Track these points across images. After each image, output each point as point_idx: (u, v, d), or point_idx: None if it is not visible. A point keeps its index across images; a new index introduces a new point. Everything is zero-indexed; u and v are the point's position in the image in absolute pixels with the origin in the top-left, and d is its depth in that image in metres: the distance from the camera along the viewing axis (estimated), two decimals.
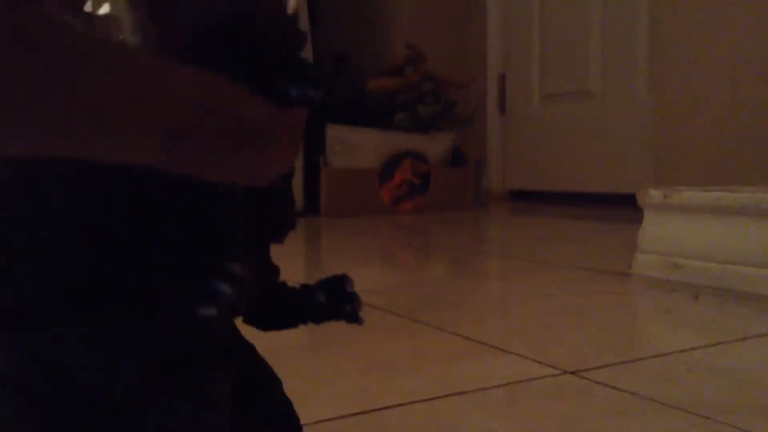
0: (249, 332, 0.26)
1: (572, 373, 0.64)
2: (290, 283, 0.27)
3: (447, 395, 0.59)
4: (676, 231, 1.08)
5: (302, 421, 0.28)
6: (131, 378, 0.20)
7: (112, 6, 0.21)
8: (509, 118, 2.94)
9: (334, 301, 0.26)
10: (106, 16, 0.21)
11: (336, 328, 0.26)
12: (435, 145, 2.59)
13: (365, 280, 1.24)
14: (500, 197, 2.98)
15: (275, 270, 0.26)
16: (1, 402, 0.20)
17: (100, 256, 0.20)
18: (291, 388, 0.28)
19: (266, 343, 0.27)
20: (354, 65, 2.68)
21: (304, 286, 0.27)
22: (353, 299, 0.27)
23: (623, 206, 2.05)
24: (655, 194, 1.12)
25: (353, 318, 0.27)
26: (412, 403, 0.57)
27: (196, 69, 0.18)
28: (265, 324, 0.27)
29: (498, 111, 2.97)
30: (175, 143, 0.17)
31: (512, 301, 1.05)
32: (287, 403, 0.27)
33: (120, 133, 0.16)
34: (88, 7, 0.20)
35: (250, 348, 0.27)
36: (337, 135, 2.36)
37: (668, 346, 0.75)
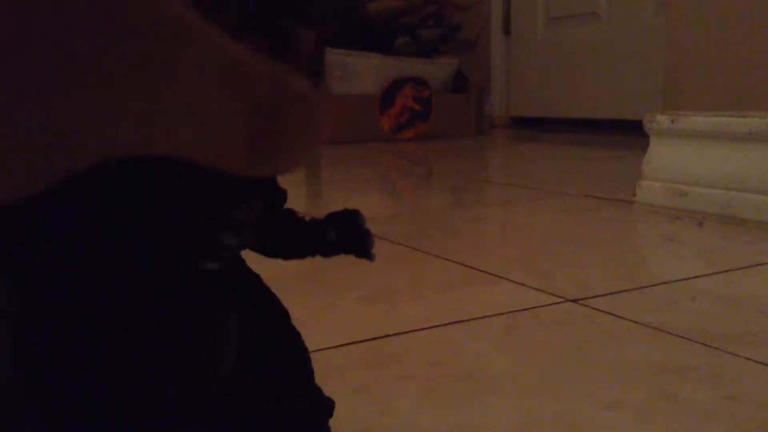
0: (250, 258, 0.25)
1: (574, 300, 0.63)
2: (298, 213, 0.26)
3: (447, 323, 0.58)
4: (682, 157, 1.06)
5: None
6: (122, 326, 0.19)
7: None
8: (513, 42, 2.87)
9: (345, 237, 0.25)
10: None
11: (337, 257, 0.25)
12: (437, 70, 2.53)
13: (365, 209, 1.22)
14: (503, 124, 2.94)
15: (282, 194, 0.25)
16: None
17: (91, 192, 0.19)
18: (291, 316, 0.27)
19: (265, 271, 0.26)
20: None
21: (314, 220, 0.25)
22: (365, 236, 0.25)
23: (629, 133, 2.02)
24: (662, 119, 1.09)
25: (365, 255, 0.26)
26: (413, 331, 0.57)
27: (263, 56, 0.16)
28: (270, 251, 0.25)
29: (502, 34, 2.89)
30: (258, 143, 0.16)
31: (513, 229, 1.04)
32: (296, 335, 0.27)
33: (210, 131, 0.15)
34: None
35: (256, 278, 0.26)
36: (336, 60, 2.30)
37: (671, 274, 0.74)
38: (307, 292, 0.66)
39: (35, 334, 0.19)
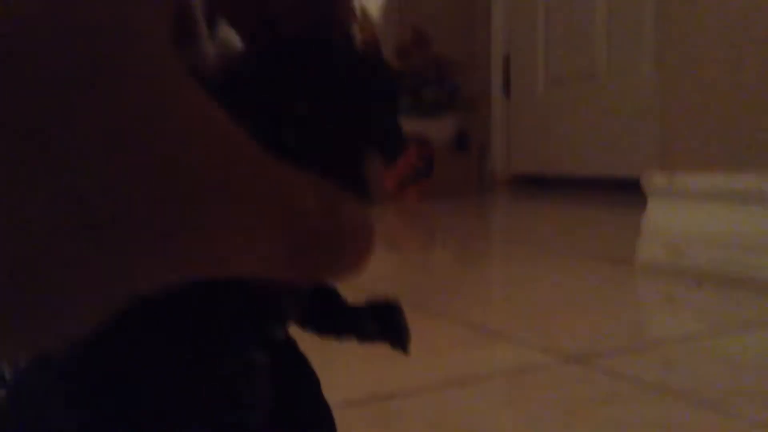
0: None
1: (575, 360, 0.64)
2: (340, 294, 0.26)
3: (451, 383, 0.59)
4: (680, 216, 1.08)
5: None
6: (152, 389, 0.20)
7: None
8: (514, 101, 2.93)
9: (383, 330, 0.26)
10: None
11: None
12: (439, 129, 2.58)
13: (370, 267, 1.24)
14: (504, 181, 2.97)
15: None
16: (41, 378, 0.20)
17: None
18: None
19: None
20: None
21: (354, 306, 0.26)
22: (403, 331, 0.26)
23: (629, 190, 2.05)
24: (659, 179, 1.11)
25: (402, 349, 0.26)
26: (417, 390, 0.58)
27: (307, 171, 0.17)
28: (306, 326, 0.26)
29: (503, 94, 2.96)
30: (301, 252, 0.16)
31: (516, 287, 1.05)
32: (325, 406, 0.27)
33: (250, 245, 0.15)
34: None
35: (292, 343, 0.26)
36: None
37: (671, 333, 0.75)
38: (309, 349, 0.66)
39: (87, 385, 0.20)
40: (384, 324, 0.26)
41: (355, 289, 0.32)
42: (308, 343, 0.26)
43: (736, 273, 0.98)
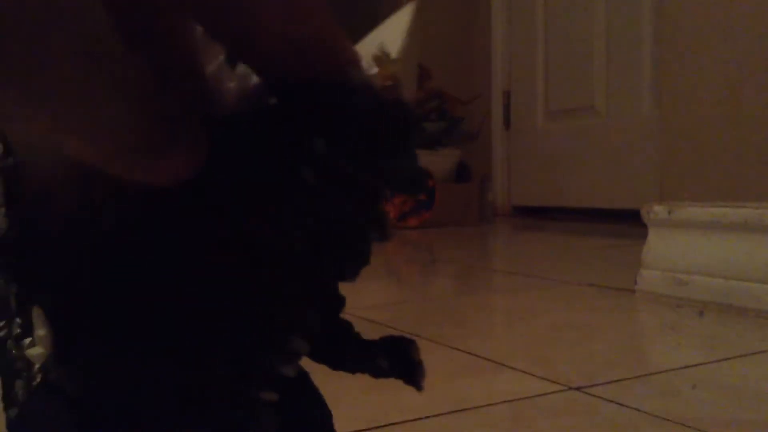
0: None
1: (577, 389, 0.64)
2: (354, 328, 0.26)
3: (452, 411, 0.59)
4: (681, 247, 1.08)
5: None
6: (160, 423, 0.20)
7: None
8: (514, 134, 2.96)
9: (396, 366, 0.26)
10: None
11: None
12: (440, 161, 2.60)
13: (369, 296, 1.24)
14: (505, 213, 2.98)
15: (341, 302, 0.26)
16: (50, 403, 0.20)
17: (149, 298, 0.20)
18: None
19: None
20: None
21: (369, 342, 0.26)
22: (416, 368, 0.26)
23: (628, 222, 2.05)
24: (659, 210, 1.12)
25: (415, 385, 0.26)
26: (417, 419, 0.58)
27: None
28: (319, 358, 0.26)
29: (503, 127, 2.99)
30: (122, 132, 0.16)
31: (517, 317, 1.05)
32: None
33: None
34: None
35: (304, 375, 0.26)
36: None
37: (673, 363, 0.75)
38: (312, 378, 0.66)
39: (95, 415, 0.20)
40: (398, 360, 0.26)
41: (357, 316, 0.32)
42: (308, 372, 0.26)
43: (737, 302, 0.98)
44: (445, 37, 3.04)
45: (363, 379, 0.67)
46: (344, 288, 0.29)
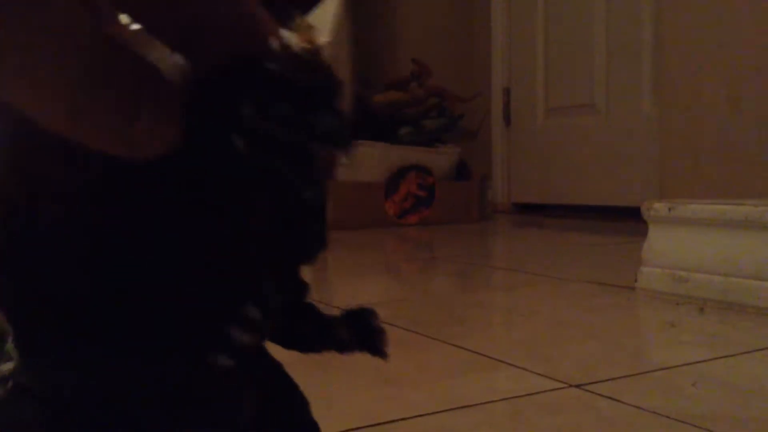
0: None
1: (577, 386, 0.64)
2: (318, 307, 0.27)
3: (452, 409, 0.59)
4: (681, 244, 1.08)
5: None
6: (137, 410, 0.20)
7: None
8: (514, 131, 2.95)
9: (359, 335, 0.26)
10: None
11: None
12: (440, 159, 2.60)
13: (370, 293, 1.24)
14: (505, 210, 2.98)
15: (304, 288, 0.26)
16: (19, 406, 0.20)
17: (99, 279, 0.20)
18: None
19: (272, 353, 0.27)
20: (359, 79, 2.70)
21: (330, 317, 0.26)
22: (377, 334, 0.26)
23: (628, 219, 2.05)
24: (659, 207, 1.12)
25: (377, 353, 0.26)
26: (418, 416, 0.58)
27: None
28: (288, 344, 0.26)
29: (503, 124, 2.99)
30: (73, 89, 0.16)
31: (516, 314, 1.05)
32: (314, 426, 0.27)
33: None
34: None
35: (276, 366, 0.26)
36: None
37: (673, 360, 0.75)
38: (311, 377, 0.66)
39: (63, 414, 0.20)
40: (359, 330, 0.26)
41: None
42: (308, 372, 0.26)
43: (737, 299, 0.98)
44: (445, 34, 3.04)
45: (362, 377, 0.67)
46: (344, 286, 0.29)
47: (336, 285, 1.32)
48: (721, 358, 0.74)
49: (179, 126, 0.18)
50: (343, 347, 0.26)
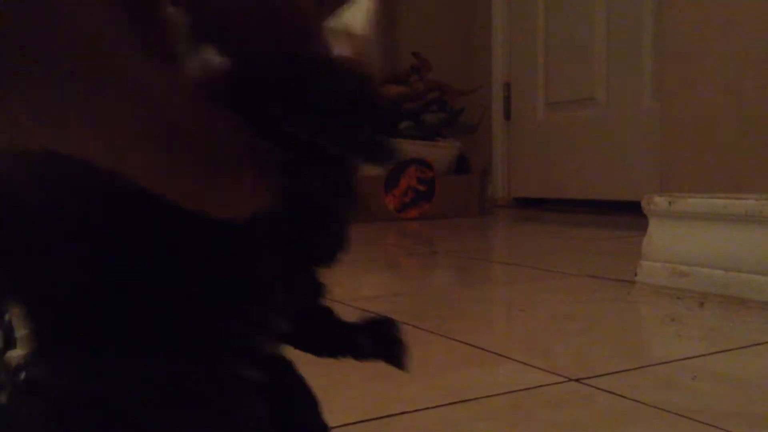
0: None
1: (577, 380, 0.64)
2: (335, 313, 0.26)
3: (452, 403, 0.59)
4: (682, 238, 1.08)
5: None
6: (137, 411, 0.20)
7: None
8: (514, 125, 2.95)
9: (378, 346, 0.26)
10: None
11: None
12: (440, 153, 2.59)
13: (368, 287, 1.24)
14: (505, 204, 2.98)
15: (320, 289, 0.25)
16: (29, 406, 0.20)
17: (100, 276, 0.20)
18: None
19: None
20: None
21: (350, 324, 0.26)
22: (398, 347, 0.26)
23: (628, 213, 2.05)
24: (659, 201, 1.12)
25: (397, 365, 0.26)
26: (418, 410, 0.58)
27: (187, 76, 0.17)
28: (303, 346, 0.26)
29: (503, 119, 2.98)
30: (157, 149, 0.16)
31: (516, 308, 1.05)
32: (324, 427, 0.27)
33: (101, 127, 0.15)
34: None
35: (288, 364, 0.26)
36: None
37: (673, 354, 0.75)
38: (311, 371, 0.66)
39: (73, 416, 0.20)
40: (380, 341, 0.26)
41: (355, 307, 0.32)
42: (307, 366, 0.26)
43: (737, 294, 0.98)
44: (445, 28, 3.03)
45: (362, 371, 0.67)
46: (343, 280, 0.29)
47: (336, 279, 1.32)
48: (721, 352, 0.74)
49: (279, 187, 0.18)
50: (361, 355, 0.26)
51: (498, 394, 0.61)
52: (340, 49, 0.20)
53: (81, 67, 0.14)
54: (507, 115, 2.97)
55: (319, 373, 0.28)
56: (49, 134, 0.15)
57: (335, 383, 0.64)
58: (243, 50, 0.19)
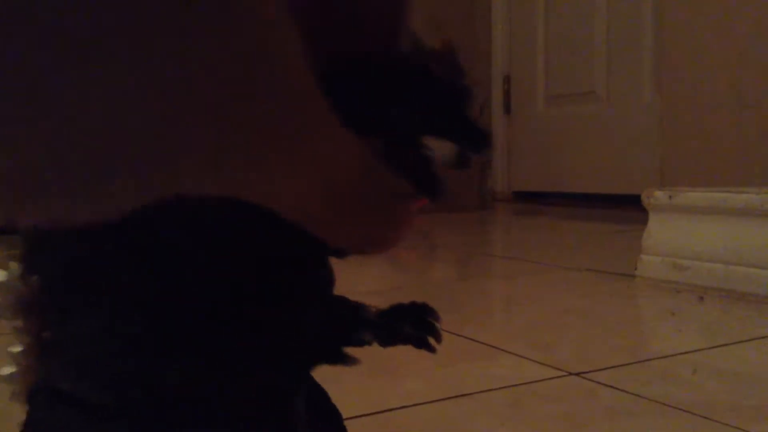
0: None
1: (577, 374, 0.64)
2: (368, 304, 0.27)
3: (451, 397, 0.59)
4: (681, 232, 1.08)
5: None
6: (137, 410, 0.20)
7: None
8: (514, 119, 2.94)
9: (419, 332, 0.27)
10: None
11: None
12: (439, 147, 2.59)
13: (367, 281, 1.24)
14: (505, 198, 2.97)
15: (330, 279, 0.26)
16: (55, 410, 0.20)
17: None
18: None
19: None
20: None
21: (385, 312, 0.27)
22: (434, 331, 0.27)
23: (628, 207, 2.05)
24: (659, 195, 1.12)
25: (429, 348, 0.27)
26: (417, 405, 0.57)
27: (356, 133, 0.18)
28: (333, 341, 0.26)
29: (503, 112, 2.97)
30: (330, 203, 0.18)
31: (516, 302, 1.05)
32: None
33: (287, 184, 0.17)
34: None
35: (318, 387, 0.27)
36: None
37: (673, 348, 0.74)
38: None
39: (102, 417, 0.20)
40: (420, 327, 0.26)
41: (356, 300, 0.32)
42: None
43: (737, 288, 0.98)
44: (445, 21, 3.02)
45: (360, 365, 0.67)
46: (342, 273, 0.28)
47: (335, 273, 1.31)
48: (720, 346, 0.73)
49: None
50: (392, 341, 0.26)
51: (498, 389, 0.61)
52: (431, 40, 0.21)
53: (296, 138, 0.16)
54: (507, 109, 2.96)
55: (316, 368, 0.27)
56: (257, 187, 0.16)
57: (332, 378, 0.64)
58: (348, 43, 0.20)
